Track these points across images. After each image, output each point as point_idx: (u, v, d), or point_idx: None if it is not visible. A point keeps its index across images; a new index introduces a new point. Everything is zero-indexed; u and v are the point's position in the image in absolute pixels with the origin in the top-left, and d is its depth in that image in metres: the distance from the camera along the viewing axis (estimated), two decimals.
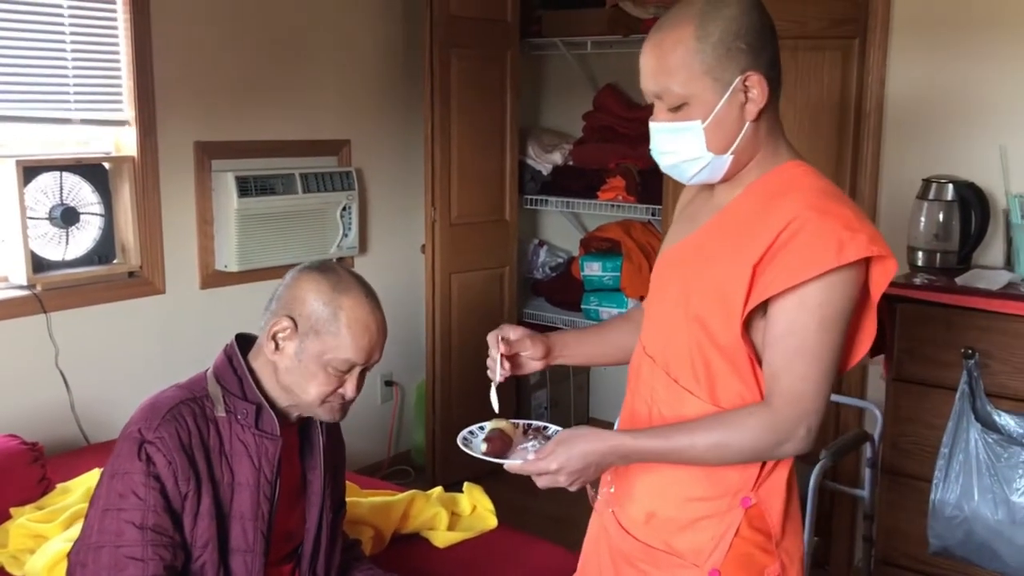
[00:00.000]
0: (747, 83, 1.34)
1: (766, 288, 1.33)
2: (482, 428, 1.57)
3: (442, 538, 2.32)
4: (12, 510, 2.26)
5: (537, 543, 2.35)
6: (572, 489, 1.40)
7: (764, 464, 1.42)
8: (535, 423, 1.61)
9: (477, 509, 2.45)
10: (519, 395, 4.08)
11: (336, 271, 1.66)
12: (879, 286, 1.38)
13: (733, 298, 1.36)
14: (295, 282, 1.65)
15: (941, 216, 2.76)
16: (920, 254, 2.80)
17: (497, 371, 1.59)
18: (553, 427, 1.58)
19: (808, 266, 1.30)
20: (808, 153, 2.90)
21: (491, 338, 1.61)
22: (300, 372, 1.62)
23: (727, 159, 1.39)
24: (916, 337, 2.58)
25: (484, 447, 1.51)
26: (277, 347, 1.63)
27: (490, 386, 1.60)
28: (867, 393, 3.06)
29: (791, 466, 1.45)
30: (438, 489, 2.48)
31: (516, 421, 1.61)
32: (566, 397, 4.31)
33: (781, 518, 1.44)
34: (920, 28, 2.92)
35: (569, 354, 1.68)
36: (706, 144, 1.37)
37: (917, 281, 2.62)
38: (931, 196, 2.78)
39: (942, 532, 2.41)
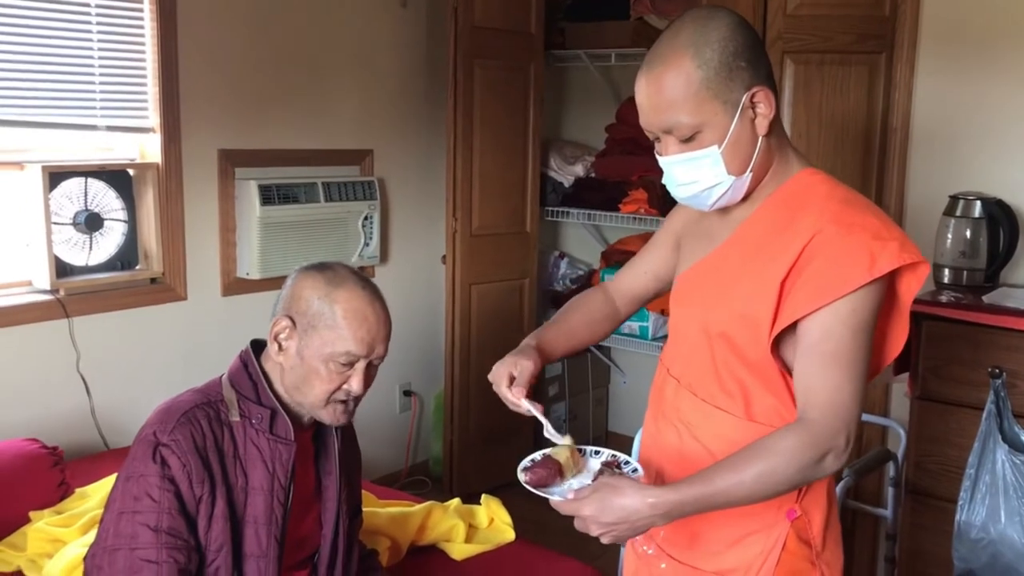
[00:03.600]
0: (754, 99, 1.33)
1: (797, 307, 1.31)
2: (544, 455, 1.40)
3: (459, 550, 2.30)
4: (31, 514, 2.27)
5: (555, 557, 2.32)
6: (604, 541, 1.29)
7: None
8: (609, 453, 1.45)
9: (495, 522, 2.43)
10: None
11: (332, 268, 1.67)
12: (911, 291, 1.37)
13: (760, 316, 1.34)
14: (294, 283, 1.67)
15: (968, 233, 2.72)
16: (947, 271, 2.77)
17: (547, 427, 1.47)
18: (626, 460, 1.43)
19: (840, 284, 1.29)
20: (833, 168, 2.92)
21: (509, 395, 1.48)
22: (304, 370, 1.62)
23: (747, 178, 1.38)
24: (941, 355, 2.54)
25: (523, 475, 1.36)
26: (280, 347, 1.64)
27: (543, 427, 1.46)
28: (891, 411, 3.02)
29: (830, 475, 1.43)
30: (456, 501, 2.47)
31: (586, 448, 1.46)
32: (585, 411, 4.29)
33: (822, 528, 1.42)
34: (947, 44, 2.89)
35: (549, 357, 1.59)
36: (726, 168, 1.35)
37: (943, 299, 2.59)
38: (958, 213, 2.75)
39: (967, 555, 2.37)
